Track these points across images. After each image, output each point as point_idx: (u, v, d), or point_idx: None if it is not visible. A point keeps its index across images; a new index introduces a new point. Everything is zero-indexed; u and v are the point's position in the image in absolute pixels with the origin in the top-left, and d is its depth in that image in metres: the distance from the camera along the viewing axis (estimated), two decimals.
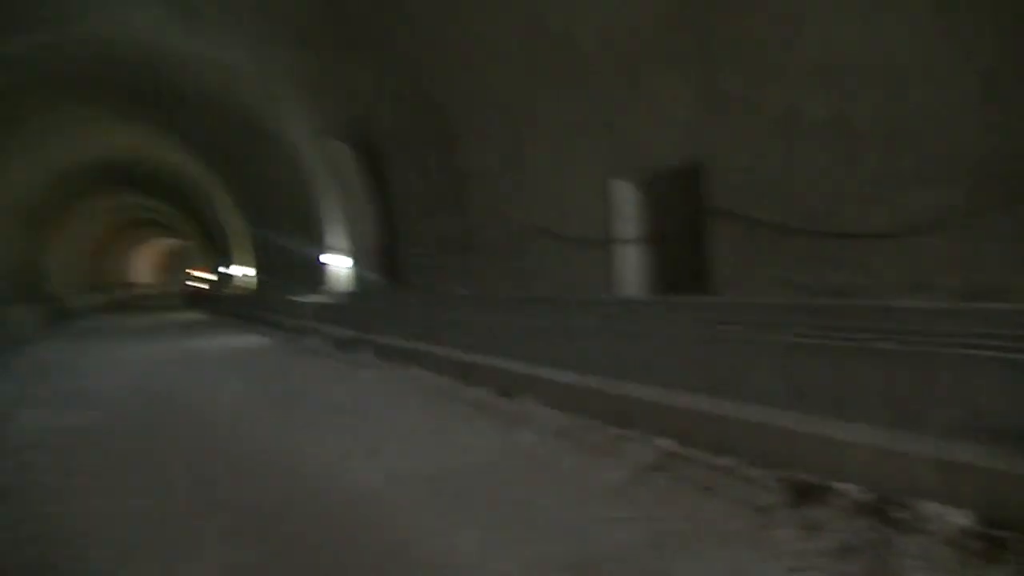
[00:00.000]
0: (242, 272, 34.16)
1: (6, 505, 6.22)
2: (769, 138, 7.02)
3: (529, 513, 5.40)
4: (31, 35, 16.45)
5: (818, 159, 6.57)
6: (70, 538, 5.33)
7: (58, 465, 7.58)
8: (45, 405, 11.14)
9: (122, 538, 5.27)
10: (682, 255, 8.60)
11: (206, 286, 52.25)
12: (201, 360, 16.61)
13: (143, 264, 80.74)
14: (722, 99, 7.47)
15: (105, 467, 7.41)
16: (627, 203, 9.06)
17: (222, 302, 35.91)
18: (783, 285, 6.85)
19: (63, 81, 19.73)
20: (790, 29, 6.65)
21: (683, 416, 6.58)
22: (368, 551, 4.82)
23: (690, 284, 8.04)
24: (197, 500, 6.08)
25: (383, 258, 16.48)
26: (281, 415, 9.70)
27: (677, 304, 7.67)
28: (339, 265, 19.34)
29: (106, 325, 31.74)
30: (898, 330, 5.34)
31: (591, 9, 8.69)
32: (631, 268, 9.07)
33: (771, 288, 6.96)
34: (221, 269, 41.39)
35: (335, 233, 19.31)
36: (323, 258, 20.39)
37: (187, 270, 71.85)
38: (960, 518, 4.30)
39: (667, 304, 7.83)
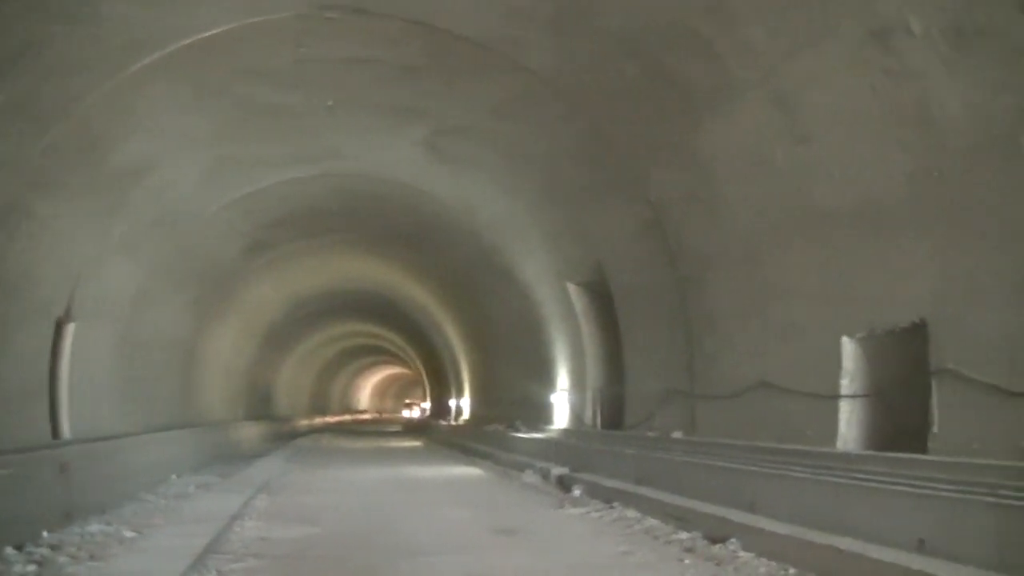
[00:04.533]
0: (462, 404, 34.89)
1: None
2: (998, 300, 7.02)
3: None
4: (283, 170, 17.74)
5: None
6: None
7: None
8: (265, 518, 11.86)
9: None
10: (901, 413, 8.55)
11: (425, 415, 53.57)
12: (417, 487, 17.18)
13: (366, 390, 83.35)
14: (952, 260, 7.53)
15: None
16: (849, 359, 9.11)
17: (440, 432, 36.71)
18: (1007, 448, 6.76)
19: (309, 209, 20.92)
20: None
21: (886, 569, 6.60)
22: None
23: (908, 442, 7.97)
24: None
25: (603, 400, 16.76)
26: (491, 542, 10.08)
27: (887, 460, 7.70)
28: (559, 404, 19.67)
29: (326, 447, 32.95)
30: None
31: (833, 170, 8.92)
32: (848, 423, 9.06)
33: (994, 450, 6.86)
34: (441, 400, 42.39)
35: (558, 372, 19.72)
36: (543, 396, 20.78)
37: (408, 399, 73.92)
38: None
39: (885, 460, 7.83)
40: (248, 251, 22.18)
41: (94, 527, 10.75)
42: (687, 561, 8.62)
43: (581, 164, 14.24)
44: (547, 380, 20.56)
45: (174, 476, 17.27)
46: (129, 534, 10.33)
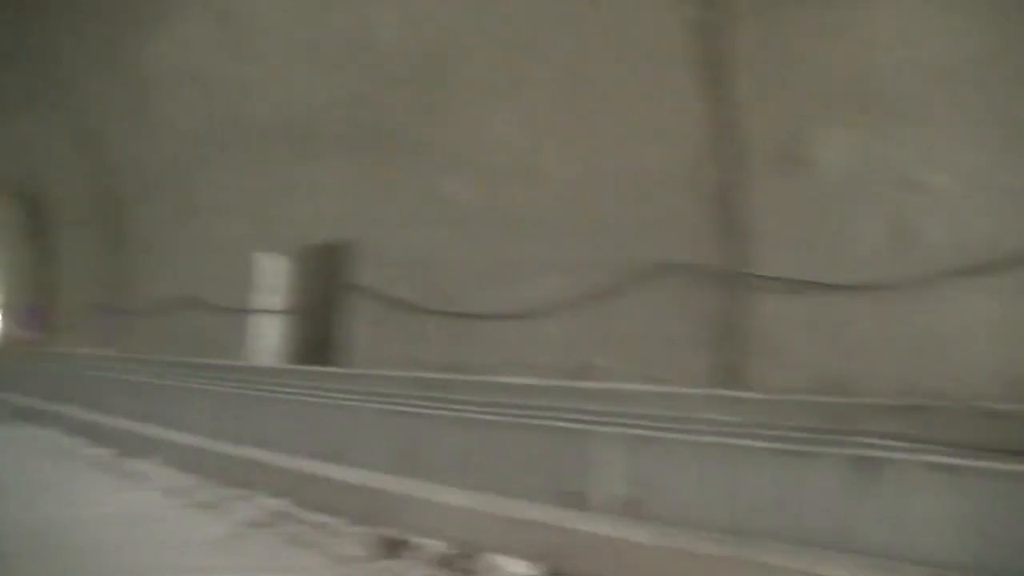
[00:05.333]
0: None
1: None
2: (414, 222, 7.41)
3: (132, 559, 5.31)
4: None
5: (458, 244, 6.99)
6: None
7: None
8: None
9: None
10: (324, 327, 8.78)
11: None
12: None
13: None
14: (376, 182, 7.81)
15: None
16: (274, 275, 9.23)
17: None
18: (413, 360, 7.15)
19: None
20: (444, 127, 7.11)
21: (295, 477, 6.81)
22: None
23: (329, 355, 8.21)
24: None
25: (35, 314, 15.78)
26: None
27: (305, 373, 7.93)
28: None
29: None
30: (497, 403, 5.83)
31: (272, 89, 8.90)
32: (273, 337, 9.18)
33: (403, 362, 7.24)
34: None
35: None
36: None
37: None
38: (524, 568, 4.66)
39: (297, 373, 8.03)
40: None
41: None
42: (94, 475, 8.31)
43: (10, 70, 13.14)
44: None
45: None
46: None
